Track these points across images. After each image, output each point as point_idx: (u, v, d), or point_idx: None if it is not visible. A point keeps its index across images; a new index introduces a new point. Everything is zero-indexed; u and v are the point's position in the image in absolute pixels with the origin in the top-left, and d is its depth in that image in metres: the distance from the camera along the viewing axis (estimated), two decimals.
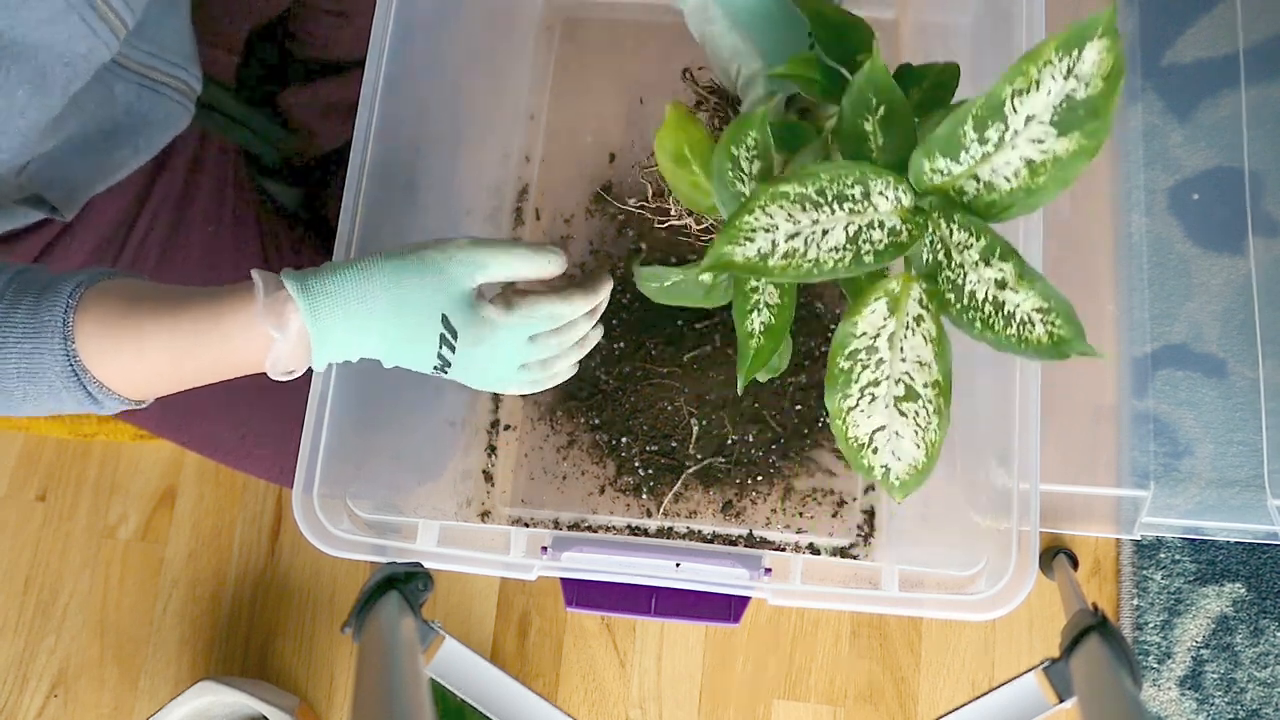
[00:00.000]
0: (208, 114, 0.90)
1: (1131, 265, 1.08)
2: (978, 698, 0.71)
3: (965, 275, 0.49)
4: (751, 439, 0.96)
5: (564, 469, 0.99)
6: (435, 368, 0.64)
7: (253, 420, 0.95)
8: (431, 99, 0.92)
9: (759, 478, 0.96)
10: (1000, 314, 0.48)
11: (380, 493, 0.87)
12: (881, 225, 0.51)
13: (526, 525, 0.97)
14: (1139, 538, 1.13)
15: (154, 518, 1.25)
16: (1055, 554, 1.10)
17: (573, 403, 1.00)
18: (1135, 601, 1.12)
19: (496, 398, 1.01)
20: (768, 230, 0.51)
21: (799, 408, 0.97)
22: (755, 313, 0.59)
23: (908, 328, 0.51)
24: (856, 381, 0.53)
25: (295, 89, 1.02)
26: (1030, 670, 0.72)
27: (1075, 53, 0.46)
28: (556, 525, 0.97)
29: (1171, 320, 1.07)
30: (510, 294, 0.64)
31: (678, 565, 0.73)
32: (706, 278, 0.62)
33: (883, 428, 0.53)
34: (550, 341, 0.67)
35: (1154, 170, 1.11)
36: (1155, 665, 1.11)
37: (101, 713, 1.21)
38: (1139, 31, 1.14)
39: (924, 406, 0.52)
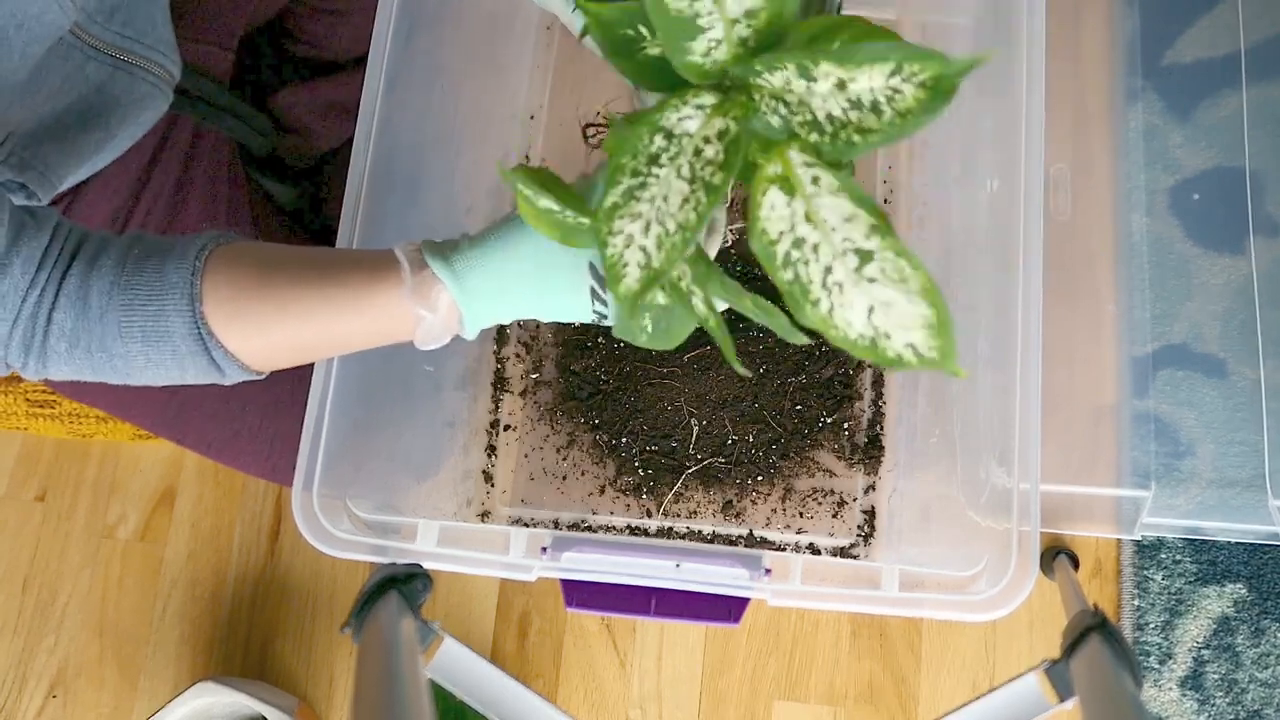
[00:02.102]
0: (194, 104, 0.90)
1: (1131, 265, 1.08)
2: (978, 698, 0.71)
3: (810, 105, 0.44)
4: (751, 439, 0.96)
5: (564, 469, 0.99)
6: (594, 320, 0.62)
7: (247, 417, 0.95)
8: (432, 99, 0.92)
9: (759, 478, 0.96)
10: (868, 110, 0.42)
11: (380, 493, 0.87)
12: (707, 140, 0.46)
13: (526, 525, 0.97)
14: (1139, 538, 1.13)
15: (153, 518, 1.25)
16: (1056, 554, 1.10)
17: (573, 403, 1.00)
18: (1136, 602, 1.12)
19: (496, 398, 1.01)
20: (629, 244, 0.47)
21: (799, 408, 0.97)
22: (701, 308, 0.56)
23: (813, 196, 0.45)
24: (812, 283, 0.45)
25: (293, 88, 1.02)
26: (1031, 670, 0.72)
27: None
28: (556, 525, 0.97)
29: (1172, 320, 1.07)
30: None
31: (678, 565, 0.73)
32: (661, 298, 0.60)
33: (871, 308, 0.45)
34: None
35: (1154, 170, 1.10)
36: (1156, 666, 1.11)
37: (101, 713, 1.21)
38: (1139, 31, 1.14)
39: (884, 256, 0.44)
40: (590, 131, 0.68)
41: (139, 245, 0.61)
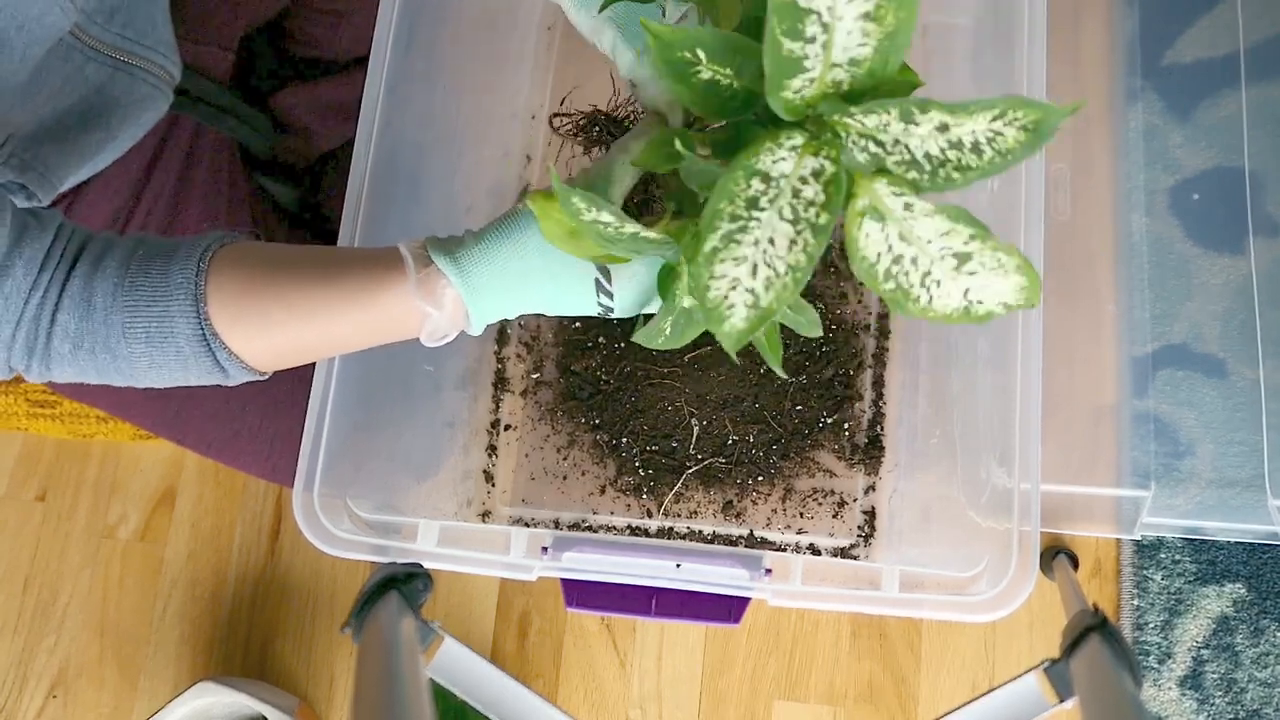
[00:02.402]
0: (194, 105, 0.90)
1: (1131, 265, 1.08)
2: (978, 698, 0.71)
3: (907, 144, 0.45)
4: (752, 439, 0.96)
5: (564, 469, 0.99)
6: (599, 313, 0.62)
7: (247, 417, 0.95)
8: (433, 99, 0.92)
9: (759, 478, 0.96)
10: (969, 150, 0.44)
11: (380, 493, 0.87)
12: (804, 180, 0.46)
13: (527, 525, 0.97)
14: (1139, 538, 1.13)
15: (154, 518, 1.25)
16: (1055, 554, 1.10)
17: (573, 403, 1.00)
18: (1135, 602, 1.12)
19: (497, 398, 1.01)
20: (734, 287, 0.47)
21: (799, 408, 0.97)
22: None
23: (905, 219, 0.47)
24: (913, 286, 0.48)
25: (293, 89, 1.02)
26: (1030, 670, 0.72)
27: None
28: (557, 525, 0.97)
29: (1171, 320, 1.07)
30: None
31: (678, 566, 0.73)
32: (687, 302, 0.60)
33: (967, 290, 0.48)
34: None
35: (1154, 170, 1.11)
36: (1155, 665, 1.11)
37: (101, 713, 1.21)
38: (1139, 31, 1.14)
39: (983, 254, 0.47)
40: (557, 122, 0.68)
41: (143, 247, 0.61)
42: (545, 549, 0.75)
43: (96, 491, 1.26)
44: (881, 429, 0.97)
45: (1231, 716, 1.09)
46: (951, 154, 0.44)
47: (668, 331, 0.61)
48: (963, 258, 0.47)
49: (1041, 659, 0.72)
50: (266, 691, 1.12)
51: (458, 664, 0.74)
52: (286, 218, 1.07)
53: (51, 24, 0.66)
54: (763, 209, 0.46)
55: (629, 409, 0.98)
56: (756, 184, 0.46)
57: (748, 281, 0.47)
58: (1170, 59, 1.13)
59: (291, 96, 1.02)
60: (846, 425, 0.97)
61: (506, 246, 0.59)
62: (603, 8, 0.60)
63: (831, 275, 1.01)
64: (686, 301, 0.58)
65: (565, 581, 0.75)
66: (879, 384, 0.98)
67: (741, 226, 0.47)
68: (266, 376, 0.64)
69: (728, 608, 0.74)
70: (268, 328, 0.60)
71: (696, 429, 0.97)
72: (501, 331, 1.03)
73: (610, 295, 0.61)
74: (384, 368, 0.85)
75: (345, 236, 0.78)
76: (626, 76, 0.59)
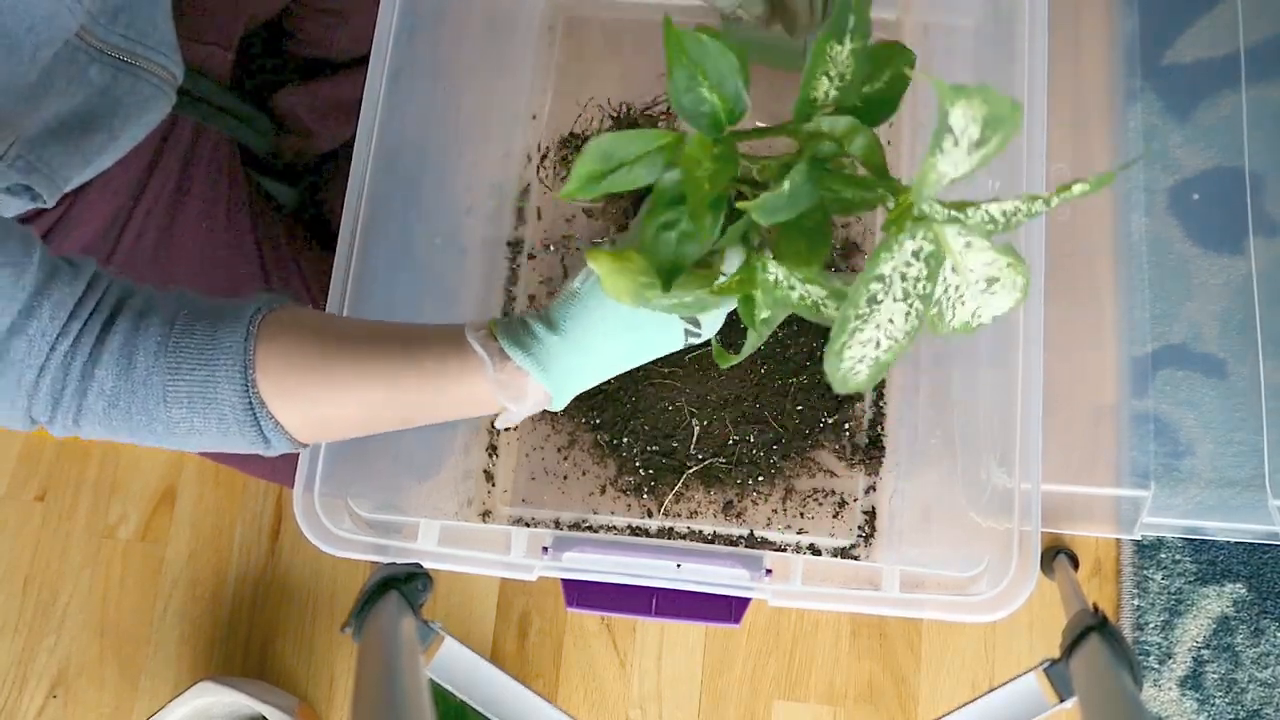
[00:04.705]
0: (195, 105, 0.90)
1: (1131, 265, 1.08)
2: (978, 698, 0.71)
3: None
4: (752, 439, 0.96)
5: (565, 469, 0.99)
6: (686, 343, 0.62)
7: None
8: (433, 99, 0.92)
9: (760, 478, 0.96)
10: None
11: (381, 492, 0.87)
12: (909, 263, 0.51)
13: (527, 525, 0.97)
14: (1139, 538, 1.13)
15: (154, 518, 1.25)
16: (1056, 554, 1.11)
17: (573, 402, 1.00)
18: (1136, 602, 1.12)
19: None
20: (860, 360, 0.52)
21: (800, 408, 0.97)
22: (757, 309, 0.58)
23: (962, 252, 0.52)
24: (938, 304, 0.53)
25: (292, 89, 1.02)
26: (1030, 670, 0.72)
27: None
28: (557, 525, 0.97)
29: (1171, 320, 1.07)
30: None
31: (678, 566, 0.73)
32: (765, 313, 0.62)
33: (977, 309, 0.54)
34: None
35: (1154, 170, 1.11)
36: (1156, 665, 1.11)
37: (102, 713, 1.21)
38: (1139, 31, 1.14)
39: (1006, 277, 0.53)
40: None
41: (187, 305, 0.59)
42: (545, 549, 0.75)
43: (96, 491, 1.26)
44: (882, 429, 0.97)
45: (1231, 716, 1.09)
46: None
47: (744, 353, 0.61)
48: (991, 281, 0.53)
49: (1041, 659, 0.72)
50: (266, 691, 1.12)
51: (458, 664, 0.74)
52: (286, 218, 1.07)
53: (60, 25, 0.66)
54: (879, 301, 0.51)
55: (629, 409, 0.98)
56: (875, 286, 0.50)
57: (871, 354, 0.52)
58: (1170, 59, 1.13)
59: (291, 96, 1.02)
60: (847, 425, 0.97)
61: (585, 328, 0.57)
62: None
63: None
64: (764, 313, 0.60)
65: (565, 581, 0.75)
66: (879, 384, 0.98)
67: (863, 322, 0.51)
68: (306, 448, 0.62)
69: (728, 608, 0.74)
70: (318, 406, 0.58)
71: (697, 429, 0.97)
72: None
73: (698, 324, 0.60)
74: None
75: (345, 237, 0.78)
76: None
